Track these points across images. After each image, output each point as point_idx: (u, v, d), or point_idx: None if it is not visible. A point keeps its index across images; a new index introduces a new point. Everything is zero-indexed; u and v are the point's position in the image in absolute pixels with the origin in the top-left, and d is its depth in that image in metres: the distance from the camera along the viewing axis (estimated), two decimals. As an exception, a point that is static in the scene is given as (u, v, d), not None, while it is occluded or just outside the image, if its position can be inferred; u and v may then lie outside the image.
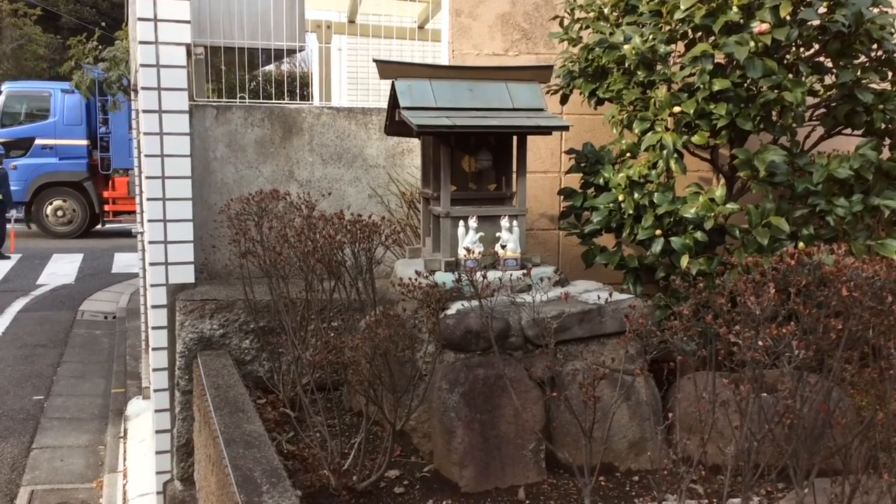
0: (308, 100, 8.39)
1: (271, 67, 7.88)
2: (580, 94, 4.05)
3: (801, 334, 2.16)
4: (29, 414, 7.39)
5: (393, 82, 3.84)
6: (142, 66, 4.11)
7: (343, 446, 3.51)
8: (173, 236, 4.24)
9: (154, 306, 4.28)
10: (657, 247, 3.66)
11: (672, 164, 3.63)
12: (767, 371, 2.39)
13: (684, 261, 3.58)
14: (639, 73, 3.70)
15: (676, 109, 3.55)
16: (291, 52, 4.97)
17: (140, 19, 4.09)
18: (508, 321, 3.50)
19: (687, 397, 3.32)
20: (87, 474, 6.38)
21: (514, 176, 3.85)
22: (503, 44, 4.65)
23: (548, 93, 4.13)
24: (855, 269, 2.21)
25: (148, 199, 4.18)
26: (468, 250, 3.71)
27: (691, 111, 3.49)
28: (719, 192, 3.62)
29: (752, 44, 3.40)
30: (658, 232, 3.66)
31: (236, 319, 4.22)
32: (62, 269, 14.03)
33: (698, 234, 3.62)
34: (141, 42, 4.10)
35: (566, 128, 3.73)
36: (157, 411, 4.37)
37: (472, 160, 3.91)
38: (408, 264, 3.97)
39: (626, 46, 3.62)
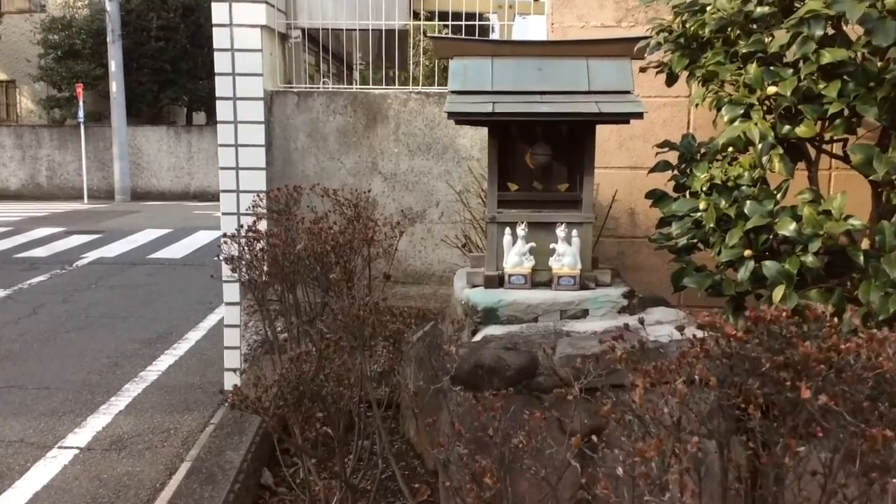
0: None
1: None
2: (680, 71, 3.20)
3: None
4: (221, 387, 7.72)
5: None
6: (216, 49, 3.93)
7: (364, 481, 3.07)
8: (248, 231, 4.03)
9: (228, 303, 4.12)
10: (745, 272, 2.77)
11: (775, 162, 2.72)
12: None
13: (778, 293, 2.66)
14: (740, 42, 2.82)
15: (771, 90, 2.63)
16: (402, 32, 4.55)
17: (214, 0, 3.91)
18: (536, 356, 2.83)
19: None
20: (249, 454, 6.48)
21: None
22: (615, 13, 3.86)
23: (643, 71, 3.33)
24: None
25: (222, 191, 4.01)
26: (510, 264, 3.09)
27: (788, 92, 2.57)
28: (837, 202, 2.65)
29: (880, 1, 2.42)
30: (747, 252, 2.77)
31: (302, 323, 3.92)
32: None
33: (809, 259, 2.69)
34: (215, 24, 3.91)
35: (640, 115, 2.95)
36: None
37: (535, 155, 3.25)
38: (462, 276, 3.42)
39: (708, 7, 2.76)
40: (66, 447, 5.83)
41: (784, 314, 1.37)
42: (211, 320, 9.79)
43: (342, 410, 2.28)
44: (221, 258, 3.13)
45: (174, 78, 20.68)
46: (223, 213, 4.01)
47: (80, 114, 19.29)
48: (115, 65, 19.09)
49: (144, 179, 20.99)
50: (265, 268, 2.84)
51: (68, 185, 21.03)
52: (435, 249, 4.16)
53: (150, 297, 10.56)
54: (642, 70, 3.37)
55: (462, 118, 3.08)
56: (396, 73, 4.27)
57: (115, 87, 19.15)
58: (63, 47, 20.29)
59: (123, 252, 13.39)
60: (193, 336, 9.17)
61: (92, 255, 12.94)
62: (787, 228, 2.65)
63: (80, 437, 6.01)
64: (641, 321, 2.04)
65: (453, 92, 3.17)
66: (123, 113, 19.44)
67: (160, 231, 15.77)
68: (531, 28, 7.89)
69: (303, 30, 4.40)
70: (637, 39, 3.12)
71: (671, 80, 3.35)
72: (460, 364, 2.84)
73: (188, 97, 21.45)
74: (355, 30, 4.30)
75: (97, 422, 6.33)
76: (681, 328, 1.71)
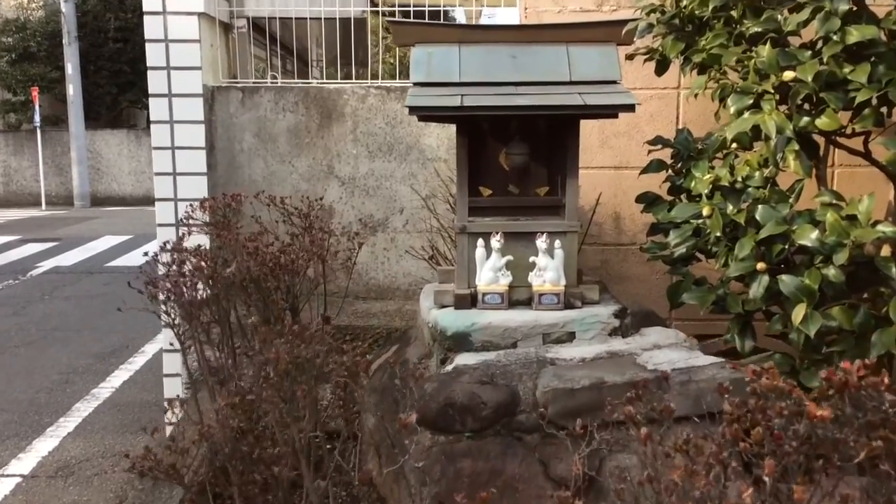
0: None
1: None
2: (675, 57, 2.81)
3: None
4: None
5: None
6: (148, 40, 3.48)
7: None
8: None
9: (167, 325, 3.67)
10: (758, 288, 2.38)
11: (790, 160, 2.33)
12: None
13: (798, 313, 2.27)
14: (745, 22, 2.43)
15: (788, 76, 2.25)
16: (359, 22, 4.12)
17: (145, -14, 3.46)
18: (516, 390, 2.43)
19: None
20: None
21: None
22: (596, -5, 3.47)
23: (629, 59, 2.94)
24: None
25: (157, 200, 3.57)
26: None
27: (810, 78, 2.18)
28: (864, 205, 2.27)
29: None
30: (760, 266, 2.38)
31: (238, 354, 3.49)
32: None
33: (832, 272, 2.30)
34: (146, 12, 3.47)
35: (631, 107, 2.55)
36: (174, 446, 3.77)
37: (511, 155, 2.85)
38: (429, 294, 3.00)
39: (710, -20, 2.38)
40: (7, 475, 5.37)
41: (883, 380, 0.97)
42: (170, 331, 9.27)
43: (279, 477, 1.85)
44: (137, 284, 2.70)
45: (133, 80, 20.05)
46: (159, 225, 3.56)
47: (37, 118, 18.64)
48: (71, 67, 18.45)
49: (104, 184, 20.34)
50: (195, 293, 2.42)
51: (25, 191, 20.32)
52: (399, 261, 3.74)
53: (106, 308, 10.05)
54: (628, 58, 2.98)
55: (426, 113, 2.67)
56: (353, 67, 3.84)
57: (73, 90, 18.52)
58: (17, 50, 19.59)
59: (80, 260, 12.83)
60: (151, 349, 8.66)
61: (47, 265, 12.37)
62: (808, 237, 2.26)
63: (24, 463, 5.56)
64: (666, 378, 1.64)
65: (416, 84, 2.75)
66: (81, 116, 18.81)
67: (120, 238, 15.22)
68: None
69: (248, 19, 3.96)
70: (624, 22, 2.73)
71: (662, 67, 2.96)
72: (427, 403, 2.42)
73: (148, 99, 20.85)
74: (306, 18, 3.86)
75: (43, 446, 5.87)
76: (724, 391, 1.31)
